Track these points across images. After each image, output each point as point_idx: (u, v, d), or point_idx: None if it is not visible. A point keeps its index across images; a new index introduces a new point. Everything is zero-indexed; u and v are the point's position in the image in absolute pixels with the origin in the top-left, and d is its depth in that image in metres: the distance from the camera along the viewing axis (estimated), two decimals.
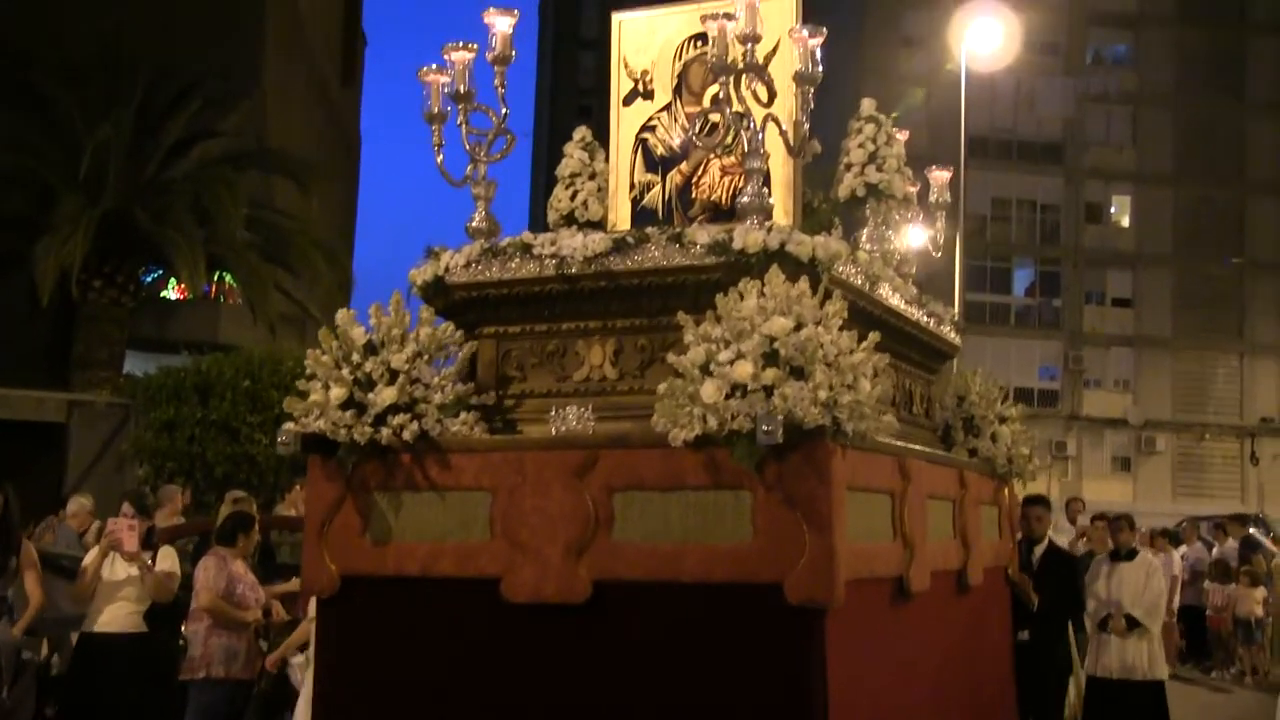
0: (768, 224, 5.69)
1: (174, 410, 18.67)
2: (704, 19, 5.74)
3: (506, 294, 5.94)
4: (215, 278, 27.77)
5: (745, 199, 5.77)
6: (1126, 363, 45.86)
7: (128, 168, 22.46)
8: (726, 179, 6.49)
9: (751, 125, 5.81)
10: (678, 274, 5.71)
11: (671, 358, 5.25)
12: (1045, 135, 45.79)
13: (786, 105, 6.09)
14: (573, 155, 7.06)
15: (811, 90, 5.88)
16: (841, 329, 5.30)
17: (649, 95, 6.65)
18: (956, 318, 7.35)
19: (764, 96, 5.92)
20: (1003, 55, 34.65)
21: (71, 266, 20.60)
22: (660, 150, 6.62)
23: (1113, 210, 47.29)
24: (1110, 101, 46.09)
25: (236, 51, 29.41)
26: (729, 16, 5.68)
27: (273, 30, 32.56)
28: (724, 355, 5.18)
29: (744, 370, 5.13)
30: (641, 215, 6.57)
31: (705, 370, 5.18)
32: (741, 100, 5.80)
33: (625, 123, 6.66)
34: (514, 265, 5.91)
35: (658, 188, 6.61)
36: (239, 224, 22.31)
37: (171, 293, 29.59)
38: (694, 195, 6.57)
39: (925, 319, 6.84)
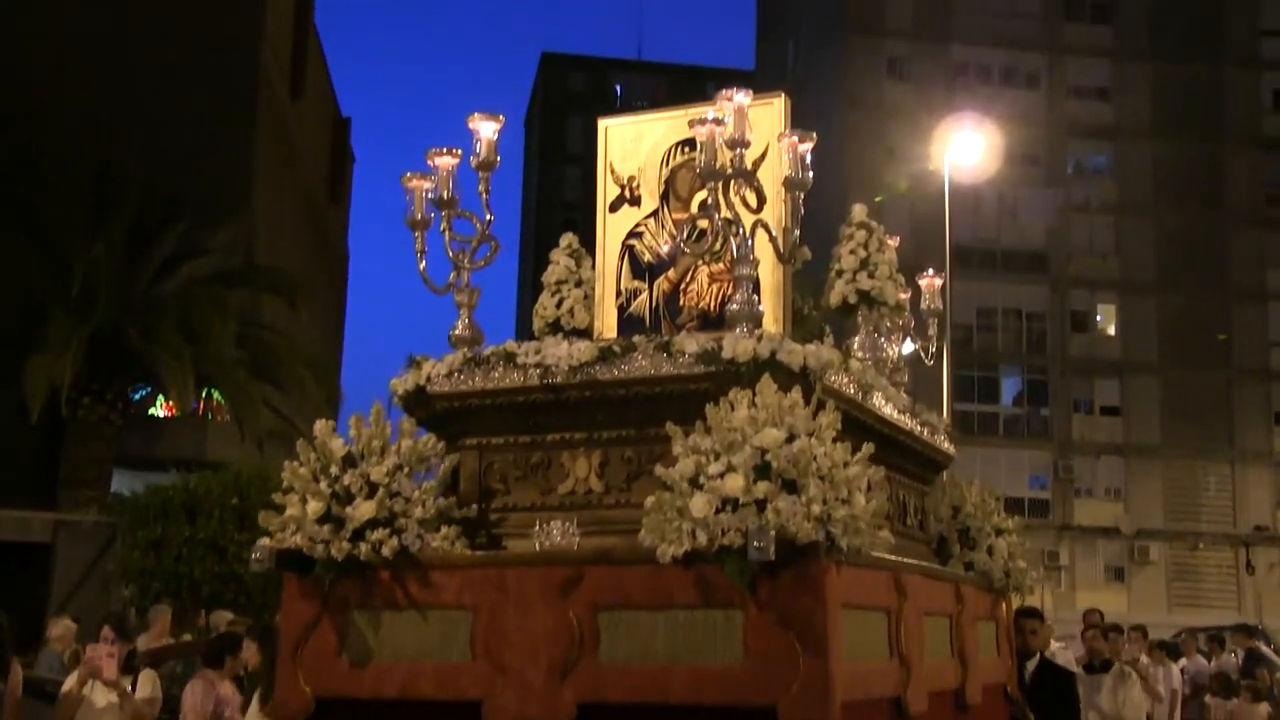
0: (758, 332, 5.55)
1: (161, 529, 18.43)
2: (692, 124, 5.65)
3: (489, 404, 5.78)
4: (204, 394, 27.62)
5: (734, 306, 5.64)
6: (1117, 471, 45.69)
7: (118, 285, 22.52)
8: (715, 286, 6.36)
9: (740, 231, 5.71)
10: (665, 384, 5.56)
11: (660, 470, 5.08)
12: (1029, 244, 46.10)
13: (775, 211, 5.99)
14: (559, 262, 6.94)
15: (802, 196, 5.78)
16: (835, 440, 5.14)
17: (635, 201, 6.55)
18: (949, 427, 7.18)
19: (753, 202, 5.80)
20: (985, 167, 35.16)
21: (62, 384, 20.57)
22: (647, 257, 6.50)
23: (1099, 318, 47.47)
24: (1092, 211, 46.52)
25: (226, 170, 29.61)
26: (717, 122, 5.59)
27: (262, 149, 32.80)
28: (714, 468, 5.01)
29: (735, 483, 4.95)
30: (628, 323, 6.43)
31: (695, 483, 5.01)
32: (730, 206, 5.69)
33: (612, 229, 6.56)
34: (497, 375, 5.75)
35: (644, 295, 6.48)
36: (228, 341, 22.34)
37: (160, 410, 29.42)
38: (682, 303, 6.44)
39: (919, 429, 6.68)
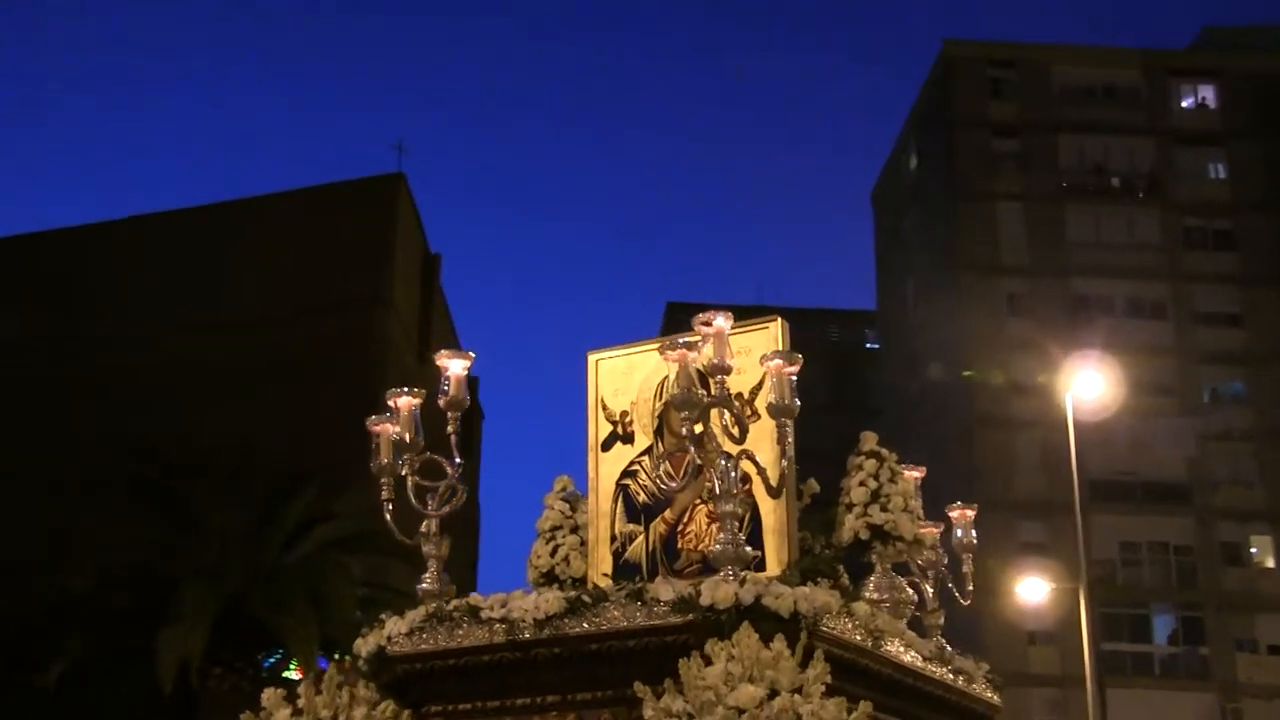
0: (741, 575, 4.98)
1: None
2: (662, 350, 5.21)
3: (453, 665, 5.27)
4: (335, 657, 27.41)
5: (717, 548, 5.10)
6: None
7: (247, 556, 22.84)
8: (715, 527, 5.82)
9: (725, 465, 5.20)
10: (640, 636, 5.01)
11: None
12: (1169, 476, 44.32)
13: (768, 443, 5.49)
14: (553, 507, 6.45)
15: (789, 423, 5.28)
16: (832, 694, 4.52)
17: (629, 439, 6.11)
18: (991, 673, 6.42)
19: (736, 433, 5.31)
20: (1113, 399, 34.25)
21: (193, 655, 20.66)
22: (642, 497, 6.02)
23: (1254, 551, 45.20)
24: (1233, 439, 44.77)
25: (353, 436, 29.91)
26: (688, 346, 5.16)
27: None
28: None
29: None
30: (624, 569, 5.92)
31: None
32: (710, 438, 5.21)
33: (604, 469, 6.10)
34: (461, 632, 5.25)
35: (641, 538, 5.97)
36: (352, 606, 22.35)
37: (293, 673, 29.39)
38: (680, 545, 5.92)
39: (950, 676, 5.95)
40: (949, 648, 6.07)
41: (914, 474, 6.26)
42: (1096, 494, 40.27)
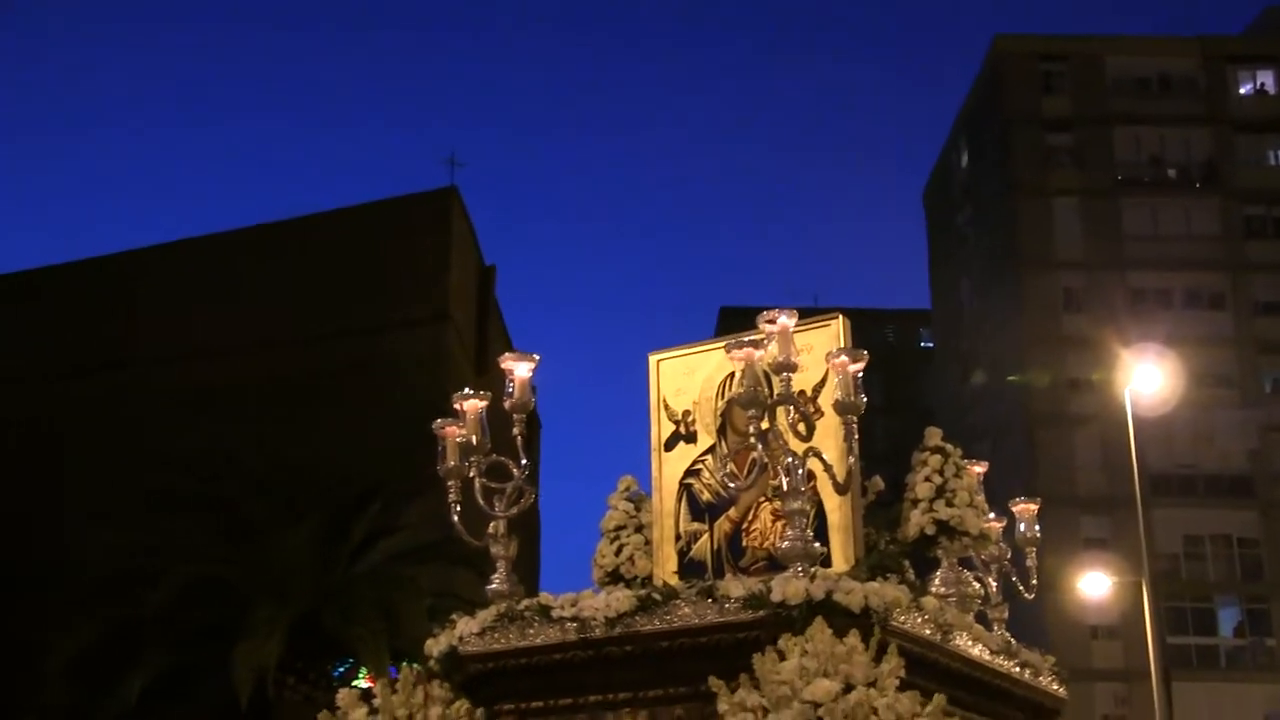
0: (812, 571, 5.01)
1: None
2: (728, 349, 5.26)
3: (525, 664, 5.32)
4: (405, 665, 27.82)
5: (785, 544, 5.13)
6: None
7: (316, 570, 23.22)
8: (780, 524, 5.85)
9: (792, 462, 5.23)
10: (711, 633, 5.04)
11: None
12: (1231, 469, 43.83)
13: (836, 440, 5.51)
14: (617, 507, 6.49)
15: (855, 420, 5.31)
16: (904, 688, 4.55)
17: (691, 438, 6.15)
18: (1056, 666, 6.41)
19: (804, 431, 5.34)
20: (1173, 392, 33.94)
21: (268, 668, 21.09)
22: (706, 496, 6.06)
23: None
24: None
25: (418, 452, 30.16)
26: (755, 344, 5.20)
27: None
28: None
29: None
30: (689, 568, 5.96)
31: None
32: (776, 435, 5.24)
33: (668, 469, 6.14)
34: (532, 631, 5.30)
35: (705, 537, 6.01)
36: (420, 616, 22.66)
37: (362, 681, 29.77)
38: (745, 544, 5.95)
39: (1018, 670, 5.95)
40: (1015, 641, 6.07)
41: (978, 469, 6.26)
42: (1158, 488, 39.88)
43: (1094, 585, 33.34)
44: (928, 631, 5.24)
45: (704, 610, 5.09)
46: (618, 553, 6.35)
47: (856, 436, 5.37)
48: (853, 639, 4.69)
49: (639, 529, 6.38)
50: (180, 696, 22.83)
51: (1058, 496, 41.16)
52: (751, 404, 5.18)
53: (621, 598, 5.21)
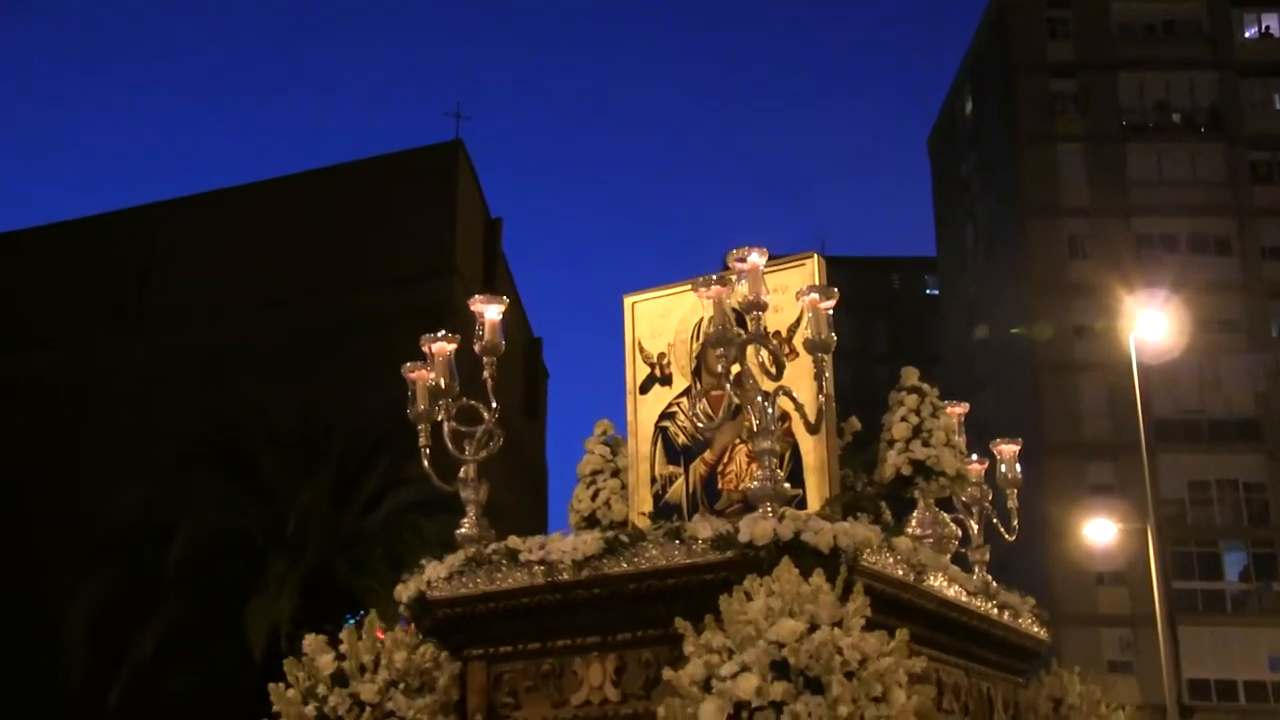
0: (780, 511, 4.94)
1: None
2: (696, 287, 5.16)
3: (493, 608, 5.27)
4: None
5: (755, 484, 5.06)
6: None
7: (327, 524, 23.32)
8: (754, 466, 5.77)
9: (761, 402, 5.15)
10: (680, 575, 4.98)
11: (668, 673, 4.48)
12: (1238, 413, 43.69)
13: (807, 379, 5.43)
14: (593, 451, 6.43)
15: (826, 358, 5.22)
16: (871, 628, 4.49)
17: (666, 380, 6.07)
18: (1038, 608, 6.34)
19: (773, 369, 5.25)
20: (1179, 338, 33.78)
21: (282, 622, 21.24)
22: (681, 439, 5.99)
23: None
24: None
25: None
26: (722, 282, 5.10)
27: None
28: (726, 668, 4.41)
29: (749, 685, 4.34)
30: (664, 511, 5.90)
31: (706, 687, 4.40)
32: (747, 375, 5.16)
33: (643, 412, 6.07)
34: (500, 575, 5.24)
35: (681, 480, 5.94)
36: None
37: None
38: (720, 486, 5.88)
39: (996, 611, 5.89)
40: (994, 583, 6.00)
41: (957, 410, 6.17)
42: (1164, 434, 39.82)
43: (1100, 531, 33.31)
44: (900, 572, 5.17)
45: (672, 552, 5.02)
46: (594, 497, 6.29)
47: (829, 375, 5.27)
48: (818, 578, 4.62)
49: (615, 473, 6.33)
50: (195, 650, 23.02)
51: (1063, 443, 41.13)
52: (720, 342, 5.10)
53: (589, 540, 5.15)
